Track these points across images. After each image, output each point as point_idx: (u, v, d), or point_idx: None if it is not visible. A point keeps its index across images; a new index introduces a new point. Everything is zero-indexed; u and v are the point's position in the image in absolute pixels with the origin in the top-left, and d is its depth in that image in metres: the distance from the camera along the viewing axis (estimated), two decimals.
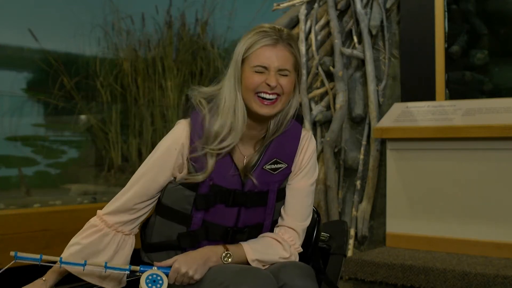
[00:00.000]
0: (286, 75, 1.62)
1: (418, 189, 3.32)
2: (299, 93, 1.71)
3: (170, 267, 1.58)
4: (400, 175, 3.37)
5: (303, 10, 3.97)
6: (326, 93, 3.84)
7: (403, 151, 3.37)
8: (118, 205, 1.66)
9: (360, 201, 3.65)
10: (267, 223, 1.73)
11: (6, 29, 4.32)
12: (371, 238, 3.61)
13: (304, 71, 3.82)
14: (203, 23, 5.29)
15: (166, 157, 1.64)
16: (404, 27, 3.65)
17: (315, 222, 1.85)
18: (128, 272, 1.58)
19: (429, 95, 3.53)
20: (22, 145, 4.48)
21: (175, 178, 1.65)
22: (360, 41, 3.76)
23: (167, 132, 1.69)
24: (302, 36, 3.90)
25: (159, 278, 1.54)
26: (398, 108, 3.52)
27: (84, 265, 1.56)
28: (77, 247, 1.64)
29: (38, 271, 1.63)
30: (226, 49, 5.38)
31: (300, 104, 1.74)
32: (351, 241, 3.60)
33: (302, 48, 3.86)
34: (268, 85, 1.60)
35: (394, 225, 3.39)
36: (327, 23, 3.88)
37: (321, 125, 3.84)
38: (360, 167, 3.65)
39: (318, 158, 3.67)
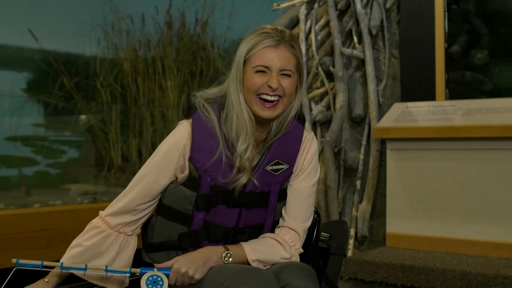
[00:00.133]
0: (288, 76, 1.61)
1: (418, 189, 3.32)
2: (300, 95, 1.71)
3: (170, 268, 1.58)
4: (400, 175, 3.37)
5: (303, 10, 3.97)
6: (326, 93, 3.85)
7: (403, 151, 3.37)
8: (120, 206, 1.66)
9: (360, 201, 3.65)
10: (268, 223, 1.73)
11: (6, 29, 4.31)
12: (371, 238, 3.61)
13: (304, 71, 3.82)
14: (203, 23, 5.29)
15: (168, 158, 1.64)
16: (404, 27, 3.65)
17: (315, 222, 1.85)
18: (129, 274, 1.58)
19: (429, 95, 3.53)
20: (22, 145, 4.47)
21: (176, 178, 1.65)
22: (360, 41, 3.76)
23: (167, 132, 1.69)
24: (302, 36, 3.91)
25: (159, 279, 1.54)
26: (398, 108, 3.52)
27: (85, 269, 1.56)
28: (79, 249, 1.64)
29: (41, 271, 1.62)
30: (226, 49, 5.37)
31: (300, 104, 1.73)
32: (351, 241, 3.60)
33: (302, 48, 3.86)
34: (270, 86, 1.59)
35: (394, 225, 3.39)
36: (327, 23, 3.88)
37: (321, 125, 3.84)
38: (360, 167, 3.65)
39: (318, 158, 3.67)
